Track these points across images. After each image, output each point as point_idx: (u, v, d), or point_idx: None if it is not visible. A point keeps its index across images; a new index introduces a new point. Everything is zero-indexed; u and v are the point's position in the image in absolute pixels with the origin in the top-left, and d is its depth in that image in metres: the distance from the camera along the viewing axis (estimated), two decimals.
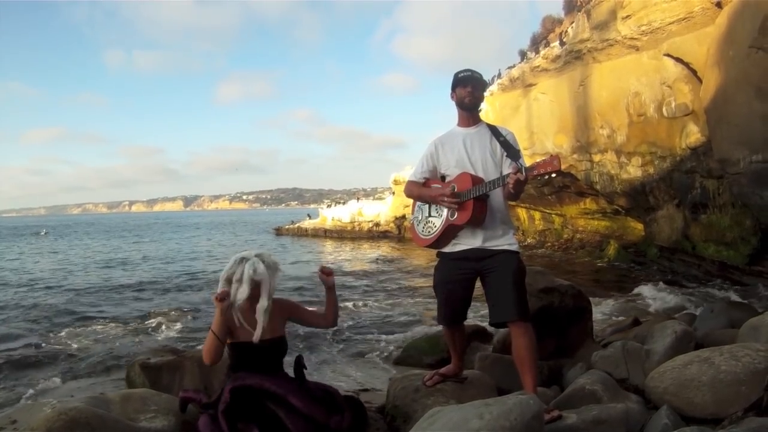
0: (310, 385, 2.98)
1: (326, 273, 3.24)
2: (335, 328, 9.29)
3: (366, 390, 5.76)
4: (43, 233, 62.17)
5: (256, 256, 2.97)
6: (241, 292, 2.87)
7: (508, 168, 3.05)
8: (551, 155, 2.82)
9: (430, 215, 3.28)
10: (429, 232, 3.25)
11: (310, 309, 3.24)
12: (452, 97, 3.28)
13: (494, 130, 3.20)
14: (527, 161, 2.95)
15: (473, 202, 3.01)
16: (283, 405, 2.73)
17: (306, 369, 3.07)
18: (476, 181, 3.04)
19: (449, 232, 3.15)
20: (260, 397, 2.74)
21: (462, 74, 3.21)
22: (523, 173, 2.82)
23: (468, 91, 3.20)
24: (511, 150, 3.09)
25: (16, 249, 37.43)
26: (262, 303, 2.92)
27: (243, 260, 2.94)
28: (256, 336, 2.89)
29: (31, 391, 6.61)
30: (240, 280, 2.89)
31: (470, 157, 3.16)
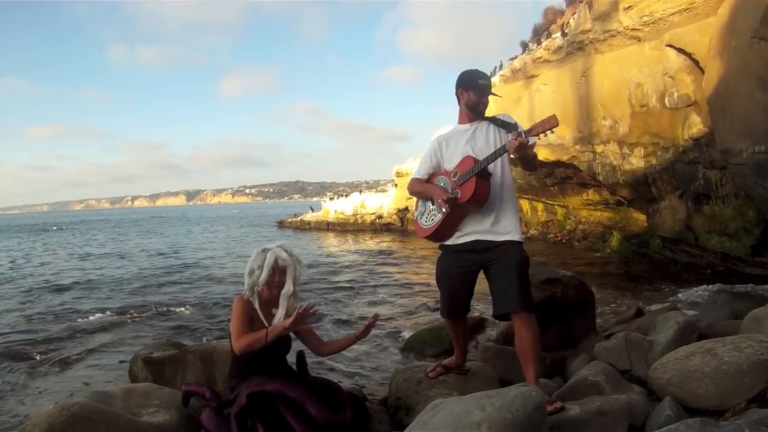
0: (312, 381, 2.98)
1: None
2: (336, 322, 9.37)
3: (369, 379, 5.78)
4: (54, 229, 63.13)
5: (278, 246, 3.04)
6: (261, 277, 2.93)
7: (508, 138, 3.04)
8: (548, 115, 2.84)
9: (433, 205, 3.26)
10: (432, 220, 3.23)
11: (315, 332, 3.27)
12: (460, 94, 3.26)
13: (492, 119, 3.21)
14: None
15: (476, 178, 2.99)
16: (297, 411, 2.72)
17: (307, 365, 3.08)
18: (478, 161, 3.04)
19: (452, 215, 3.10)
20: (274, 401, 2.75)
21: (480, 81, 3.20)
22: (523, 136, 2.82)
23: (484, 102, 3.21)
24: (507, 125, 3.10)
25: (26, 245, 37.56)
26: (288, 288, 2.97)
27: (265, 250, 3.00)
28: (277, 318, 2.93)
29: (34, 385, 6.64)
30: (261, 267, 2.94)
31: (474, 149, 3.15)
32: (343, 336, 3.22)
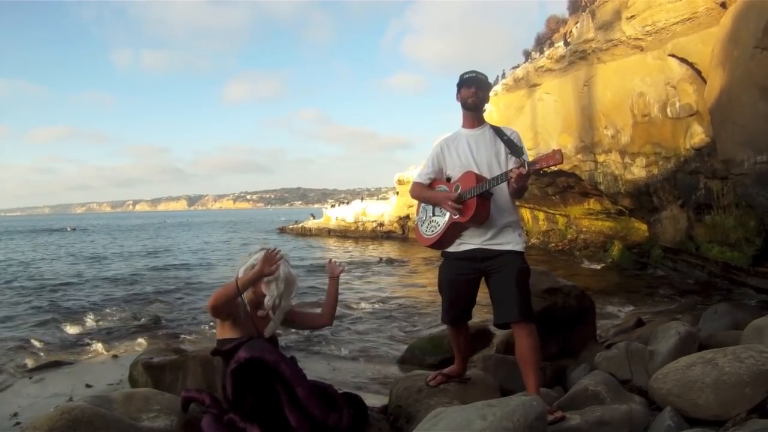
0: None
1: (334, 269, 3.29)
2: (337, 329, 9.34)
3: (368, 387, 5.77)
4: (70, 230, 64.24)
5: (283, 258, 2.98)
6: (278, 290, 2.91)
7: (511, 165, 3.06)
8: (553, 149, 2.82)
9: (434, 214, 3.29)
10: (432, 231, 3.26)
11: (307, 311, 3.26)
12: (457, 99, 3.30)
13: (498, 131, 3.21)
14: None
15: (476, 199, 3.01)
16: (288, 392, 2.71)
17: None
18: (480, 179, 3.04)
19: (452, 230, 3.16)
20: (272, 377, 2.71)
21: (466, 75, 3.23)
22: (526, 167, 2.83)
23: (472, 91, 3.21)
24: (514, 147, 3.10)
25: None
26: (287, 303, 2.96)
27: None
28: (269, 332, 2.93)
29: (34, 388, 6.63)
30: (278, 278, 2.91)
31: (475, 158, 3.17)
32: (324, 302, 3.21)
